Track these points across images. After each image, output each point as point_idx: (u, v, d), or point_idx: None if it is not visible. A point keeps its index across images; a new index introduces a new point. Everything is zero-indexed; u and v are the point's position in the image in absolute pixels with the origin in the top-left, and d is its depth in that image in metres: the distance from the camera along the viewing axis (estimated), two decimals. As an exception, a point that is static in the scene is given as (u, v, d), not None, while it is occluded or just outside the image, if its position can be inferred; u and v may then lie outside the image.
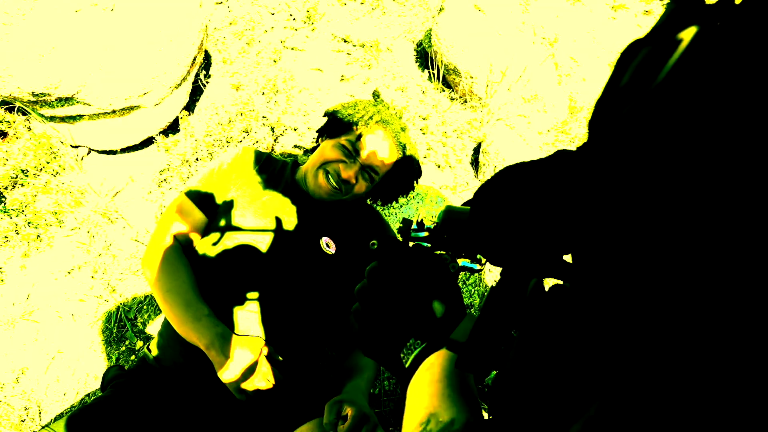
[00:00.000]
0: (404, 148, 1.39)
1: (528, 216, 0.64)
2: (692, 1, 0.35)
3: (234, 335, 1.12)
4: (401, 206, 2.29)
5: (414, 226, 0.84)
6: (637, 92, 0.36)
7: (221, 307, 1.18)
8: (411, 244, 0.78)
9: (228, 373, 1.06)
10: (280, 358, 1.16)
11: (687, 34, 0.32)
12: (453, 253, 0.79)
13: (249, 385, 1.08)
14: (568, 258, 0.61)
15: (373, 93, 1.49)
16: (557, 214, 0.63)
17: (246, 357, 1.08)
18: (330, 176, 1.32)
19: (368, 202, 1.55)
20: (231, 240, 1.26)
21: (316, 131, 1.51)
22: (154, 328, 2.05)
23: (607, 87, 0.42)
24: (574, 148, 0.64)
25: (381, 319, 0.69)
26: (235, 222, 1.28)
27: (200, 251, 1.28)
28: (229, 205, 1.32)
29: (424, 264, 0.73)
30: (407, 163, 1.42)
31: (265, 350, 1.14)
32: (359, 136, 1.33)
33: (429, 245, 0.79)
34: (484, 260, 0.78)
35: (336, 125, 1.40)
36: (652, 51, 0.36)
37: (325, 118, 1.48)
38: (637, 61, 0.38)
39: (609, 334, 0.40)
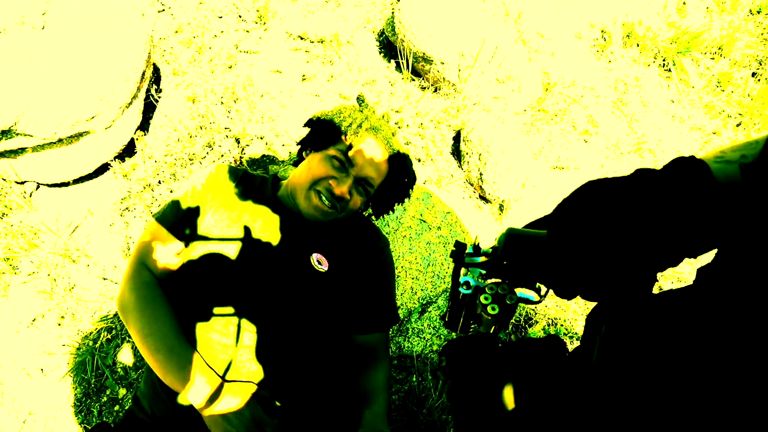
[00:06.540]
0: (397, 153, 1.28)
1: (625, 237, 0.57)
2: None
3: (219, 379, 1.03)
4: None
5: (469, 250, 0.73)
6: None
7: (188, 330, 1.08)
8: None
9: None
10: (278, 404, 1.06)
11: None
12: (511, 282, 0.69)
13: None
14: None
15: (358, 97, 1.36)
16: (654, 233, 0.56)
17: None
18: (323, 196, 1.19)
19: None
20: (198, 252, 1.14)
21: (297, 143, 1.37)
22: (125, 356, 1.88)
23: None
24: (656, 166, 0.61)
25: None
26: (209, 237, 1.16)
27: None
28: (205, 227, 1.18)
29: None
30: (402, 170, 1.31)
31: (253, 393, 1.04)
32: (349, 147, 1.21)
33: (485, 272, 0.70)
34: (544, 290, 0.69)
35: (321, 135, 1.27)
36: None
37: (307, 128, 1.34)
38: None
39: None
